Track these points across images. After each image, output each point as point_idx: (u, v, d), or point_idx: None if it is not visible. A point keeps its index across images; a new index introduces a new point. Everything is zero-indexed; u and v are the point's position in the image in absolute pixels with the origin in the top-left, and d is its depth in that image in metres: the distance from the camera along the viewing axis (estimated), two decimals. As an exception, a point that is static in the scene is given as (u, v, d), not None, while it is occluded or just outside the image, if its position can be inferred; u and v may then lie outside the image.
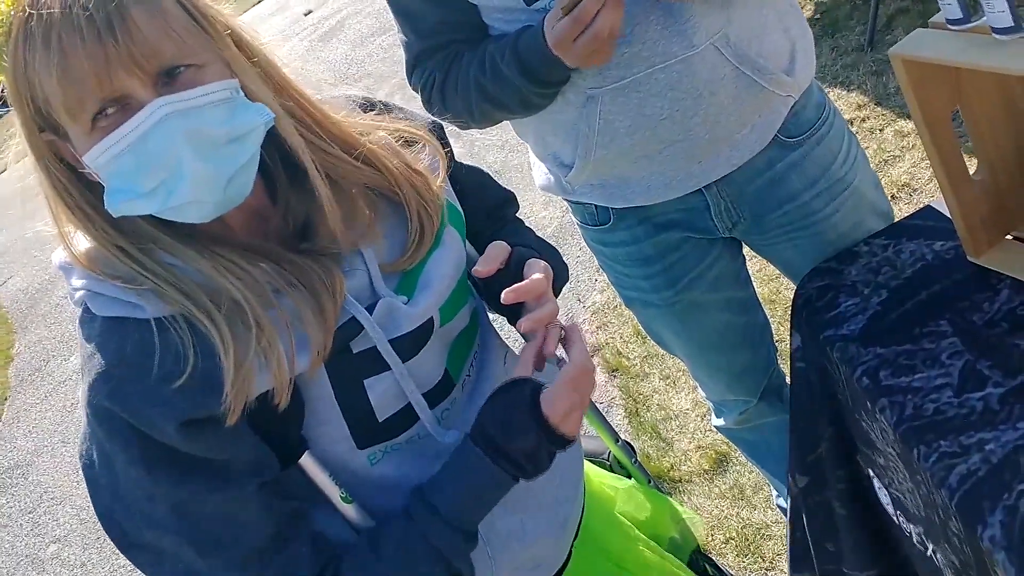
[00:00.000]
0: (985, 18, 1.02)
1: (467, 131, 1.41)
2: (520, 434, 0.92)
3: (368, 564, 0.92)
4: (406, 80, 1.48)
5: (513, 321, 1.09)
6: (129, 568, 3.15)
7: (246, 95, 0.89)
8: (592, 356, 3.17)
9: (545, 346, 0.98)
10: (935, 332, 1.24)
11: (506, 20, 1.34)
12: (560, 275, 1.12)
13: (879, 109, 3.44)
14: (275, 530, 0.90)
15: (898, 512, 1.34)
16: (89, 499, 0.88)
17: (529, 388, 0.94)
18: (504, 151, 4.43)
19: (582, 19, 1.15)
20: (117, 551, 0.88)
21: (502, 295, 0.96)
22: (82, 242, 0.91)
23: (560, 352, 0.99)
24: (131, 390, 0.83)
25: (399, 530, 0.94)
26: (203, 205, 0.85)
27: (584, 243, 1.68)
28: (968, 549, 1.04)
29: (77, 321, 0.90)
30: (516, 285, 0.97)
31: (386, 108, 1.12)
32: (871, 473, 1.39)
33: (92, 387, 0.84)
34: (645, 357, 3.05)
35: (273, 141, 0.93)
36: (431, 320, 1.00)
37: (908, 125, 3.26)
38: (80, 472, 0.89)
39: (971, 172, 1.25)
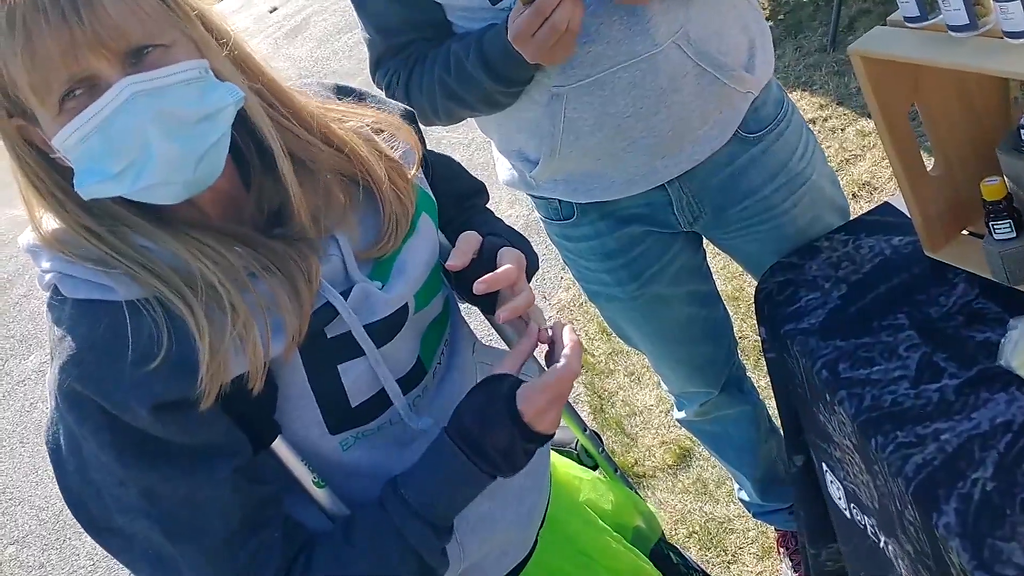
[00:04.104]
0: (942, 16, 1.04)
1: (431, 128, 1.41)
2: (494, 427, 0.92)
3: (341, 553, 0.92)
4: (370, 78, 1.48)
5: (486, 310, 1.09)
6: (88, 569, 3.12)
7: (216, 76, 0.88)
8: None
9: (552, 355, 0.98)
10: (893, 325, 1.26)
11: (471, 19, 1.34)
12: (531, 263, 1.13)
13: (841, 109, 3.48)
14: (247, 516, 0.89)
15: (852, 505, 1.36)
16: (47, 500, 0.87)
17: (508, 383, 0.94)
18: (470, 149, 4.42)
19: (542, 11, 1.16)
20: (77, 552, 0.87)
21: (474, 285, 0.96)
22: (52, 224, 0.89)
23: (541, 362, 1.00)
24: (103, 373, 0.82)
25: (372, 521, 0.94)
26: (173, 186, 0.84)
27: (549, 241, 1.68)
28: (924, 537, 1.06)
29: (46, 305, 0.89)
30: (488, 275, 0.97)
31: (360, 96, 1.11)
32: (825, 467, 1.41)
33: (62, 370, 0.83)
34: (610, 354, 3.07)
35: (245, 126, 0.93)
36: (406, 306, 1.00)
37: (870, 125, 3.30)
38: (39, 473, 0.88)
39: (928, 168, 1.27)
